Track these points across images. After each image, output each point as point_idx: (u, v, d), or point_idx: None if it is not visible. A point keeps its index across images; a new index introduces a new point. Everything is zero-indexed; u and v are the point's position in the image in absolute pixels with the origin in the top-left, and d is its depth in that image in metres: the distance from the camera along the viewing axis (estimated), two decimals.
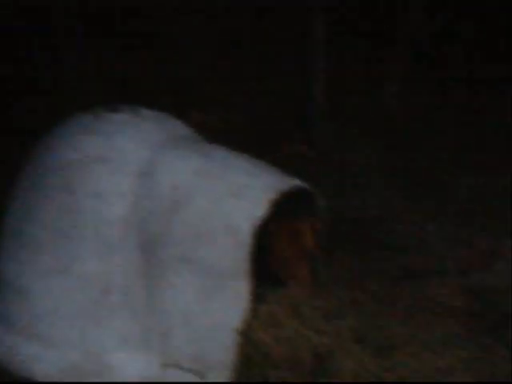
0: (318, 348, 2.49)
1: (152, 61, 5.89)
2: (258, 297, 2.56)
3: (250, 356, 2.54)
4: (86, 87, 5.12)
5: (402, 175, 4.76)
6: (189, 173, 2.65)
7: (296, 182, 2.68)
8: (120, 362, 2.63)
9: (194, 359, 2.57)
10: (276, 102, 5.56)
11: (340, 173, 4.63)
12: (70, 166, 2.73)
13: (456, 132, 5.35)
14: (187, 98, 5.46)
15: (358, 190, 4.48)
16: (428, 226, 3.98)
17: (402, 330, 2.84)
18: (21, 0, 5.46)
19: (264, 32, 6.24)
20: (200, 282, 2.56)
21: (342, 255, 3.38)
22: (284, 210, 2.66)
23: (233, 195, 2.56)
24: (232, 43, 6.08)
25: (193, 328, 2.57)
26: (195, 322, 2.57)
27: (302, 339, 2.49)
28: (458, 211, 4.24)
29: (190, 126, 3.09)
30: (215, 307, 2.54)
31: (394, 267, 3.48)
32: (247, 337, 2.54)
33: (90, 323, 2.64)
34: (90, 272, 2.65)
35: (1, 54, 5.22)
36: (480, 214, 4.21)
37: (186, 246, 2.57)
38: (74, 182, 2.70)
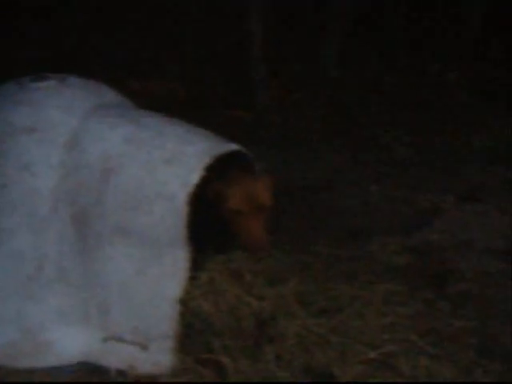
0: (260, 314, 2.45)
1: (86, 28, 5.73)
2: (197, 264, 2.51)
3: (192, 325, 2.50)
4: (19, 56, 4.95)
5: (345, 138, 4.76)
6: (119, 141, 2.56)
7: (232, 146, 2.61)
8: (59, 338, 2.55)
9: (136, 331, 2.51)
10: (217, 68, 5.48)
11: (283, 137, 4.59)
12: None
13: (396, 93, 5.37)
14: (125, 67, 5.33)
15: (301, 154, 4.45)
16: (371, 187, 3.98)
17: (345, 290, 2.83)
18: None
19: None
20: (136, 252, 2.49)
21: (286, 219, 3.35)
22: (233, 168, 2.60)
23: (165, 162, 2.48)
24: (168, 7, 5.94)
25: (132, 300, 2.51)
26: (134, 294, 2.50)
27: (243, 305, 2.45)
28: (399, 171, 4.26)
29: (127, 94, 3.00)
30: (153, 277, 2.48)
31: (337, 229, 3.47)
32: (188, 306, 2.49)
33: (26, 299, 2.56)
34: (22, 247, 2.56)
35: None
36: (421, 173, 4.24)
37: (119, 217, 2.49)
38: (0, 154, 2.59)
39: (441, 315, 2.70)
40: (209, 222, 2.58)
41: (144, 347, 2.49)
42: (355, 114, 5.01)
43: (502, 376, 2.39)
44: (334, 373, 2.36)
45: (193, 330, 2.49)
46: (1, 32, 5.17)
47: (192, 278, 2.47)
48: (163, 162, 2.49)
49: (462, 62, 5.48)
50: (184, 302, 2.46)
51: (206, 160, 2.49)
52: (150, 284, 2.48)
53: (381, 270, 3.03)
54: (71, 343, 2.55)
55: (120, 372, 2.48)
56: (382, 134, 4.79)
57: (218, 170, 2.57)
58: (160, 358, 2.47)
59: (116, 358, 2.51)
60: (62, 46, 5.45)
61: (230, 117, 4.79)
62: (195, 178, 2.45)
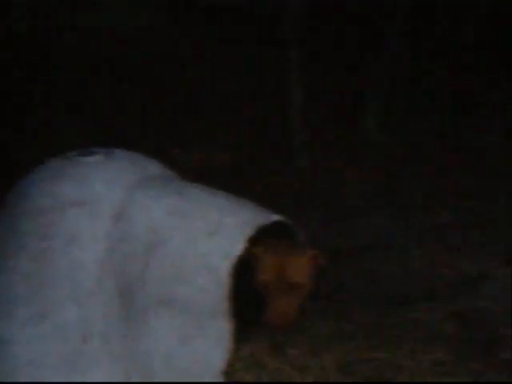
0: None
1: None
2: (239, 336, 2.51)
3: None
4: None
5: (387, 202, 4.75)
6: (163, 212, 2.62)
7: (274, 217, 2.64)
8: None
9: None
10: (257, 134, 5.56)
11: (324, 202, 4.61)
12: (42, 211, 2.70)
13: (442, 159, 5.34)
14: (168, 136, 5.46)
15: (342, 219, 4.46)
16: (414, 251, 3.95)
17: (389, 360, 2.80)
18: None
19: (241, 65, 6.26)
20: (180, 323, 2.51)
21: (326, 285, 3.34)
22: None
23: (208, 234, 2.53)
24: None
25: (175, 370, 2.52)
26: (177, 364, 2.52)
27: (285, 378, 2.44)
28: (443, 235, 4.22)
29: (168, 165, 3.07)
30: (197, 348, 2.50)
31: (380, 296, 3.44)
32: (231, 378, 2.48)
33: (72, 372, 2.59)
34: (67, 319, 2.60)
35: None
36: (465, 237, 4.19)
37: (163, 288, 2.52)
38: (48, 227, 2.67)
39: None
40: (250, 291, 2.59)
41: None
42: (397, 178, 5.02)
43: None
44: None
45: None
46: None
47: (235, 351, 2.47)
48: (206, 234, 2.53)
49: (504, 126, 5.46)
50: (227, 374, 2.45)
51: (249, 231, 2.52)
52: (193, 355, 2.49)
53: (426, 338, 2.98)
54: None
55: None
56: (425, 198, 4.78)
57: (260, 241, 2.59)
58: None
59: None
60: (101, 116, 5.62)
61: (271, 183, 4.84)
62: (237, 249, 2.48)
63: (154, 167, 2.95)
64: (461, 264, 3.79)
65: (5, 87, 5.29)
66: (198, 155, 5.12)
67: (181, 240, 2.54)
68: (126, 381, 2.57)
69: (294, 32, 5.08)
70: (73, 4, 5.99)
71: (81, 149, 2.96)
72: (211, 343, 2.47)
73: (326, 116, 5.57)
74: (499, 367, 2.77)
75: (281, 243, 2.65)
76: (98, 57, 6.03)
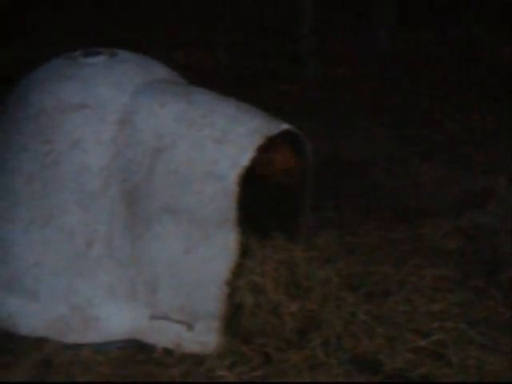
0: (308, 298, 2.42)
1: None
2: (245, 247, 2.48)
3: (240, 307, 2.48)
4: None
5: (394, 114, 4.65)
6: (170, 119, 2.54)
7: (283, 126, 2.56)
8: (107, 314, 2.57)
9: (182, 310, 2.51)
10: (265, 40, 5.39)
11: (330, 112, 4.50)
12: (45, 113, 2.61)
13: (452, 70, 5.20)
14: (171, 40, 5.29)
15: (347, 129, 4.36)
16: (421, 166, 3.89)
17: (394, 274, 2.80)
18: None
19: None
20: (185, 231, 2.48)
21: (332, 199, 3.30)
22: None
23: (216, 141, 2.45)
24: None
25: (179, 278, 2.50)
26: (181, 273, 2.50)
27: (292, 289, 2.43)
28: (451, 151, 4.15)
29: (173, 68, 2.96)
30: (201, 257, 2.47)
31: (386, 209, 3.40)
32: (236, 288, 2.47)
33: (75, 276, 2.58)
34: (72, 223, 2.57)
35: None
36: (472, 152, 4.12)
37: (169, 195, 2.48)
38: (51, 130, 2.59)
39: (492, 304, 2.64)
40: (257, 204, 2.55)
41: (190, 326, 2.49)
42: (406, 88, 4.88)
43: None
44: (381, 360, 2.33)
45: (241, 312, 2.48)
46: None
47: (240, 262, 2.45)
48: (213, 141, 2.46)
49: None
50: (232, 283, 2.44)
51: (258, 140, 2.45)
52: (197, 264, 2.47)
53: (431, 254, 2.97)
54: (118, 320, 2.56)
55: (166, 350, 2.49)
56: (433, 110, 4.67)
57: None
58: (206, 338, 2.47)
59: (162, 336, 2.52)
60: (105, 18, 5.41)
61: (277, 91, 4.72)
62: (246, 158, 2.42)
63: (160, 71, 2.84)
64: (466, 180, 3.75)
65: None
66: (202, 59, 4.97)
67: (187, 147, 2.47)
68: (130, 286, 2.56)
69: None
70: None
71: (83, 48, 2.84)
72: (216, 253, 2.45)
73: (336, 24, 5.38)
74: (501, 286, 2.77)
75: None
76: None
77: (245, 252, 2.48)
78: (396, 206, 3.38)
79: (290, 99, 4.65)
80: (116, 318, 2.57)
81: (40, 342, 2.50)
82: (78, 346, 2.52)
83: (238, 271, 2.44)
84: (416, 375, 2.28)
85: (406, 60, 5.19)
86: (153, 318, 2.54)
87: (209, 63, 4.97)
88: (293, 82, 4.82)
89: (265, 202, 2.69)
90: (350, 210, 3.25)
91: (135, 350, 2.52)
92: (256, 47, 5.21)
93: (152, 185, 2.50)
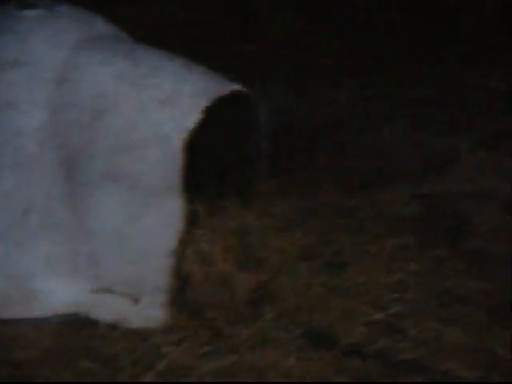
0: (259, 272, 2.29)
1: None
2: (193, 215, 2.33)
3: (187, 280, 2.34)
4: None
5: (359, 75, 4.48)
6: (110, 77, 2.35)
7: (233, 86, 2.39)
8: (47, 287, 2.41)
9: (127, 283, 2.36)
10: None
11: (291, 74, 4.32)
12: None
13: (419, 28, 5.00)
14: None
15: (309, 92, 4.20)
16: (383, 128, 3.75)
17: (352, 244, 2.67)
18: None
19: None
20: (128, 199, 2.31)
21: (290, 165, 3.14)
22: None
23: (160, 103, 2.28)
24: None
25: (123, 249, 2.34)
26: (125, 244, 2.34)
27: (243, 259, 2.29)
28: (414, 111, 4.01)
29: (119, 23, 2.76)
30: (146, 227, 2.31)
31: (347, 174, 3.26)
32: (183, 259, 2.32)
33: (12, 245, 2.40)
34: (6, 191, 2.38)
35: None
36: (437, 114, 3.99)
37: (110, 160, 2.30)
38: None
39: (453, 274, 2.54)
40: (205, 169, 2.39)
41: (135, 300, 2.34)
42: (372, 51, 4.69)
43: None
44: (336, 335, 2.21)
45: (188, 284, 2.33)
46: None
47: (188, 232, 2.30)
48: (158, 103, 2.28)
49: None
50: (179, 254, 2.29)
51: (204, 102, 2.27)
52: (142, 233, 2.31)
53: (390, 222, 2.85)
54: (59, 293, 2.40)
55: (110, 325, 2.34)
56: (399, 71, 4.50)
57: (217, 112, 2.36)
58: (152, 312, 2.32)
59: (106, 310, 2.37)
60: None
61: (234, 50, 4.51)
62: (192, 121, 2.25)
63: (102, 26, 2.63)
64: (431, 144, 3.62)
65: None
66: (152, 13, 4.70)
67: (130, 108, 2.29)
68: (71, 258, 2.40)
69: None
70: None
71: (17, 1, 2.63)
72: (161, 222, 2.29)
73: None
74: (464, 255, 2.66)
75: None
76: None
77: (193, 221, 2.32)
78: (356, 172, 3.24)
79: (248, 60, 4.46)
80: (57, 292, 2.40)
81: None
82: (16, 321, 2.36)
83: (185, 241, 2.29)
84: (373, 350, 2.16)
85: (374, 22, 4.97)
86: (95, 291, 2.38)
87: (156, 18, 4.70)
88: (251, 42, 4.62)
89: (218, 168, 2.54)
90: (308, 176, 3.10)
91: (78, 324, 2.37)
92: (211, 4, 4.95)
93: (92, 149, 2.31)
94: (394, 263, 2.59)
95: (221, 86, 2.37)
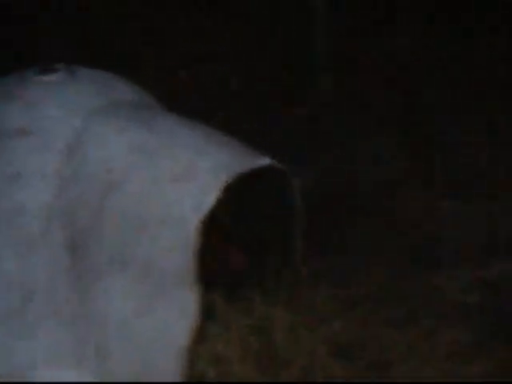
0: (283, 374, 1.95)
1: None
2: (208, 307, 2.03)
3: (205, 374, 2.03)
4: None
5: (411, 136, 4.08)
6: (124, 148, 2.11)
7: (259, 161, 2.11)
8: (49, 378, 2.14)
9: (135, 376, 2.07)
10: (275, 55, 4.88)
11: (340, 137, 3.99)
12: None
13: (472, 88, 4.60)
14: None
15: (358, 155, 3.82)
16: (440, 201, 3.36)
17: (401, 339, 2.31)
18: None
19: None
20: (138, 287, 2.04)
21: (331, 234, 2.77)
22: None
23: (175, 178, 2.01)
24: None
25: (132, 342, 2.06)
26: (135, 336, 2.06)
27: (263, 362, 1.96)
28: (475, 181, 3.59)
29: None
30: (156, 320, 2.03)
31: (397, 252, 2.88)
32: (200, 353, 2.02)
33: (12, 334, 2.15)
34: (8, 273, 2.15)
35: None
36: (502, 184, 3.55)
37: (119, 243, 2.04)
38: None
39: None
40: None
41: None
42: (426, 108, 4.32)
43: None
44: None
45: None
46: None
47: (202, 327, 1.99)
48: (172, 178, 2.02)
49: None
50: (192, 353, 1.98)
51: (225, 177, 1.99)
52: (151, 328, 2.03)
53: (446, 313, 2.47)
54: None
55: None
56: (460, 134, 4.10)
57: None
58: None
59: None
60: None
61: (285, 113, 4.24)
62: (210, 200, 1.97)
63: (124, 90, 2.42)
64: (500, 218, 3.19)
65: None
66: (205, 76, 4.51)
67: (140, 184, 2.03)
68: (77, 350, 2.13)
69: None
70: None
71: (44, 64, 2.44)
72: (173, 315, 2.00)
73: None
74: None
75: None
76: None
77: (209, 314, 2.02)
78: (407, 248, 2.86)
79: (298, 124, 4.17)
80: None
81: None
82: None
83: (199, 338, 1.98)
84: None
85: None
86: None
87: (211, 80, 4.50)
88: (302, 105, 4.33)
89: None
90: (349, 255, 2.74)
91: None
92: (264, 61, 4.70)
93: (99, 229, 2.06)
94: (450, 364, 2.20)
95: (245, 160, 2.09)
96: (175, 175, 2.02)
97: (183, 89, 4.32)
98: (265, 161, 2.12)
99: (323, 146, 3.84)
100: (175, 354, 1.99)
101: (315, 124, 4.20)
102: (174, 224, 1.98)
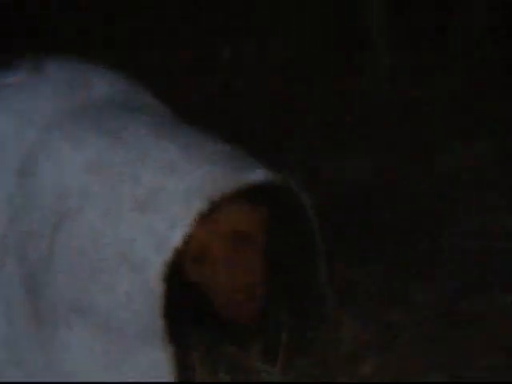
0: None
1: None
2: (183, 364, 1.62)
3: None
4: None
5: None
6: (81, 167, 1.69)
7: (247, 176, 1.65)
8: None
9: None
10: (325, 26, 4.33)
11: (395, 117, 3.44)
12: None
13: None
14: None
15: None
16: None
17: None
18: None
19: None
20: (100, 340, 1.65)
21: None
22: None
23: (136, 207, 1.59)
24: None
25: None
26: None
27: None
28: None
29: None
30: (124, 379, 1.63)
31: (440, 279, 2.32)
32: None
33: None
34: None
35: None
36: None
37: (74, 287, 1.65)
38: None
39: None
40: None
41: None
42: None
43: None
44: None
45: None
46: None
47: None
48: (134, 207, 1.59)
49: None
50: None
51: (198, 203, 1.55)
52: None
53: (495, 348, 1.96)
54: None
55: None
56: None
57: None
58: None
59: None
60: None
61: (337, 85, 3.73)
62: (179, 235, 1.54)
63: (100, 86, 1.97)
64: None
65: None
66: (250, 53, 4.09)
67: (97, 215, 1.62)
68: None
69: None
70: None
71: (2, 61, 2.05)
72: (142, 374, 1.60)
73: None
74: None
75: None
76: None
77: (184, 374, 1.61)
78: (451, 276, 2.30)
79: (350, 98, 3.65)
80: None
81: None
82: None
83: None
84: None
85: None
86: None
87: (257, 56, 4.07)
88: (356, 76, 3.81)
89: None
90: (389, 280, 2.23)
91: None
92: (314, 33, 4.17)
93: (53, 269, 1.67)
94: None
95: (230, 177, 1.63)
96: (137, 203, 1.59)
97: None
98: (257, 175, 1.66)
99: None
100: None
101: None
102: (133, 267, 1.56)
